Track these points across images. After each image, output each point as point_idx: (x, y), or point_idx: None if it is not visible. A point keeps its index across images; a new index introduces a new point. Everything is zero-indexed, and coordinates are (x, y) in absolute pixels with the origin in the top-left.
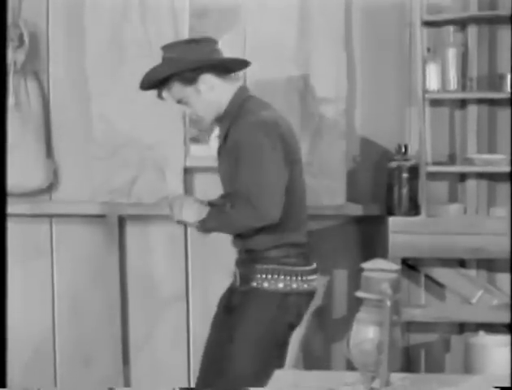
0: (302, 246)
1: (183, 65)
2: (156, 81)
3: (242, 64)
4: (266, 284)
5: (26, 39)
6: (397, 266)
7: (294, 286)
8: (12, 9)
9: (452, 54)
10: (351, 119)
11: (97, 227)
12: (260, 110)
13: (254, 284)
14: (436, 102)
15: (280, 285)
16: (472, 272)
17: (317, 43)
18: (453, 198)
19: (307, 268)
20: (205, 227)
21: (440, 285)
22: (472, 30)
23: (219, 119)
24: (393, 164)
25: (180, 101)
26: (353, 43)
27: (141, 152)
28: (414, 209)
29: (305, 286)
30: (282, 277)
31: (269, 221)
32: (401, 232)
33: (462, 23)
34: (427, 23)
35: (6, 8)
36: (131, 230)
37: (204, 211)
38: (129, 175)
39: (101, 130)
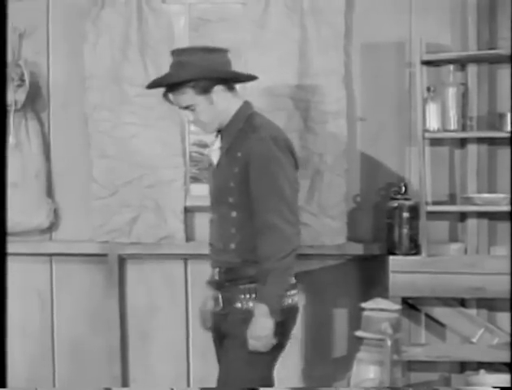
0: None
1: (201, 73)
2: (168, 83)
3: (250, 77)
4: (251, 304)
5: (26, 78)
6: (397, 306)
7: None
8: (12, 48)
9: (452, 94)
10: (351, 158)
11: (98, 267)
12: (268, 126)
13: (239, 305)
14: (435, 142)
15: None
16: (473, 311)
17: (317, 82)
18: (453, 237)
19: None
20: (271, 304)
21: (441, 324)
22: (472, 69)
23: (221, 130)
24: (393, 204)
25: (186, 108)
26: (352, 83)
27: (141, 192)
28: (414, 248)
29: (289, 301)
30: None
31: (298, 238)
32: (402, 272)
33: (461, 63)
34: (427, 63)
35: (6, 49)
36: (131, 269)
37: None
38: (129, 215)
39: (102, 170)
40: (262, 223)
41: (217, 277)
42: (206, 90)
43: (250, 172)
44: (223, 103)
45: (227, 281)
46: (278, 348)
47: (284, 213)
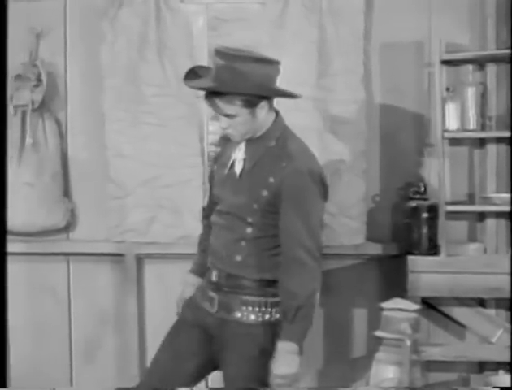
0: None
1: (256, 89)
2: (216, 92)
3: (295, 96)
4: (252, 317)
5: (43, 79)
6: (416, 306)
7: (277, 316)
8: (30, 49)
9: (471, 93)
10: (370, 158)
11: (115, 266)
12: (304, 155)
13: (238, 315)
14: (455, 141)
15: (267, 316)
16: (491, 311)
17: (336, 82)
18: (472, 237)
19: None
20: (299, 341)
21: (460, 324)
22: (491, 69)
23: (247, 141)
24: (413, 203)
25: (226, 115)
26: (372, 82)
27: (158, 191)
28: (433, 248)
29: (277, 316)
30: (269, 309)
31: (321, 274)
32: (421, 272)
33: (480, 63)
34: (446, 63)
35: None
36: (148, 269)
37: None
38: (146, 215)
39: (119, 169)
40: (292, 257)
41: (215, 279)
42: (253, 104)
43: (283, 204)
44: (263, 117)
45: (227, 287)
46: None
47: (313, 250)
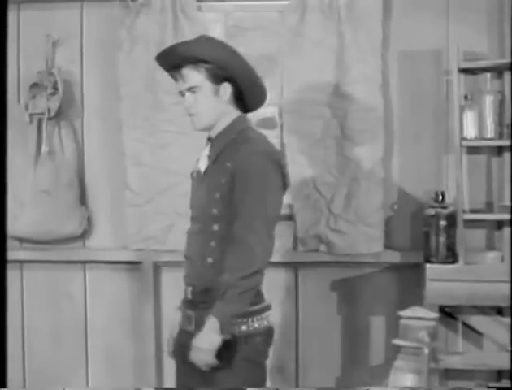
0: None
1: (224, 59)
2: (185, 57)
3: (260, 100)
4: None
5: (60, 87)
6: (434, 314)
7: (256, 325)
8: (46, 57)
9: (489, 102)
10: (388, 166)
11: (132, 275)
12: (262, 140)
13: None
14: (473, 150)
15: (243, 327)
16: (509, 320)
17: (354, 89)
18: (490, 246)
19: (263, 305)
20: (223, 319)
21: (478, 333)
22: (509, 77)
23: (212, 139)
24: (431, 212)
25: (189, 89)
26: (390, 90)
27: (176, 199)
28: (451, 256)
29: (265, 323)
30: (245, 319)
31: (266, 260)
32: (439, 280)
33: (498, 71)
34: (464, 71)
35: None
36: (166, 276)
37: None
38: (164, 223)
39: (136, 177)
40: (235, 235)
41: (190, 296)
42: (217, 79)
43: (236, 183)
44: (225, 105)
45: (202, 302)
46: (260, 368)
47: (260, 231)
